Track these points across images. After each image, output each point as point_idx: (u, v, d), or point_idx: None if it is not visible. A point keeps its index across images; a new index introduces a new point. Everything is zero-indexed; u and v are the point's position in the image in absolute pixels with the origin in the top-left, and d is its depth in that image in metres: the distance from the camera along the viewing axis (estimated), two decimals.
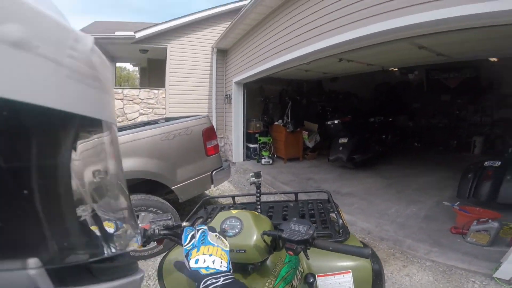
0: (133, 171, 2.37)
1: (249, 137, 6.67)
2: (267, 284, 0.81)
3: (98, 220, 0.36)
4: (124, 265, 0.42)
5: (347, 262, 1.06)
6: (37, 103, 0.25)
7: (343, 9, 2.83)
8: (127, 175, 2.26)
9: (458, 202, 3.05)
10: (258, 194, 1.23)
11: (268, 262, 0.89)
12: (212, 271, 0.56)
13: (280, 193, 1.79)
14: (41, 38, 0.26)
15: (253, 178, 1.18)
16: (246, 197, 2.54)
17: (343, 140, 5.31)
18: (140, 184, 2.62)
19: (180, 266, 0.64)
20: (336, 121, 5.88)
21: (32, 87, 0.25)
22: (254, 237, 0.77)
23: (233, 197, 1.50)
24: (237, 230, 0.79)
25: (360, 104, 8.22)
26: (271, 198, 2.72)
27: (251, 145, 6.64)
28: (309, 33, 3.43)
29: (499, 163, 3.25)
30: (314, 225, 1.24)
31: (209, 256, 0.58)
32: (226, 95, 7.03)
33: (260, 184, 1.21)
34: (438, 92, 7.19)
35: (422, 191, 4.02)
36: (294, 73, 5.87)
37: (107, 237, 0.38)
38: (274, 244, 0.81)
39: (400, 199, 3.78)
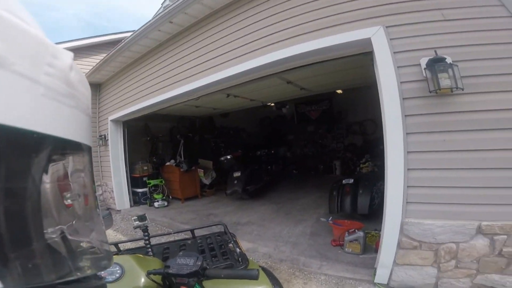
0: None
1: (135, 182, 5.91)
2: None
3: (67, 242, 0.34)
4: (91, 286, 0.41)
5: None
6: (7, 123, 0.23)
7: (224, 47, 3.23)
8: None
9: (331, 217, 3.41)
10: (147, 237, 1.19)
11: None
12: None
13: (174, 233, 1.74)
14: (18, 54, 0.25)
15: (137, 222, 1.14)
16: (138, 242, 2.20)
17: (237, 174, 5.62)
18: None
19: None
20: (228, 157, 6.19)
21: (3, 106, 0.23)
22: (142, 279, 0.73)
23: (115, 244, 1.34)
24: (117, 275, 0.73)
25: (248, 138, 9.00)
26: (169, 239, 2.48)
27: (139, 190, 5.92)
28: (195, 68, 3.58)
29: (352, 180, 3.90)
30: (213, 253, 1.23)
31: None
32: (101, 135, 5.89)
33: (147, 227, 1.18)
34: (305, 124, 8.60)
35: (304, 210, 4.62)
36: (184, 109, 5.82)
37: (76, 259, 0.36)
38: (167, 283, 0.77)
39: (289, 220, 4.22)
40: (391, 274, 2.32)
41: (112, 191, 5.77)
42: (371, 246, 2.97)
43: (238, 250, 1.22)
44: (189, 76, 3.67)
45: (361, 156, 5.71)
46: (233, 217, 4.57)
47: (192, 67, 3.64)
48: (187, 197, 6.09)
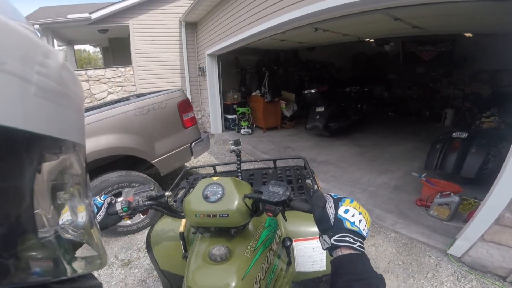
0: (109, 148, 2.33)
1: (227, 108, 6.66)
2: (248, 247, 0.85)
3: (61, 241, 0.34)
4: (86, 286, 0.41)
5: None
6: (0, 123, 0.23)
7: None
8: (103, 153, 2.29)
9: (425, 174, 3.02)
10: (239, 162, 1.23)
11: (249, 226, 0.92)
12: (355, 229, 0.54)
13: (260, 161, 1.80)
14: (8, 53, 0.25)
15: (233, 146, 1.18)
16: (227, 166, 2.58)
17: (320, 109, 5.39)
18: (120, 161, 2.59)
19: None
20: (313, 91, 5.91)
21: None
22: (236, 202, 0.79)
23: (213, 166, 1.51)
24: (219, 196, 0.80)
25: (337, 74, 8.25)
26: (251, 166, 2.78)
27: (230, 116, 6.66)
28: (284, 2, 3.27)
29: (466, 135, 3.23)
30: (290, 186, 1.29)
31: (359, 214, 0.57)
32: (200, 67, 6.85)
33: (240, 152, 1.21)
34: (413, 64, 7.28)
35: (393, 160, 4.14)
36: (270, 43, 5.72)
37: (70, 258, 0.36)
38: (255, 207, 0.83)
39: (372, 167, 3.95)
40: (470, 248, 2.09)
41: (209, 115, 6.76)
42: (462, 214, 2.63)
43: (315, 187, 1.20)
44: (277, 10, 3.42)
45: (485, 109, 4.47)
46: (310, 152, 4.66)
47: (280, 1, 3.34)
48: (268, 127, 6.53)
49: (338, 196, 0.62)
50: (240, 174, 1.25)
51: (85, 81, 6.37)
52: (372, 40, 5.91)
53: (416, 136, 5.26)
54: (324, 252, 1.12)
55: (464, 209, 2.67)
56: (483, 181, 2.65)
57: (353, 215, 0.56)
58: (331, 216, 0.57)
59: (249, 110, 6.58)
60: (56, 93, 0.31)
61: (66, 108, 0.34)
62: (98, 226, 0.46)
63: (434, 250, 2.30)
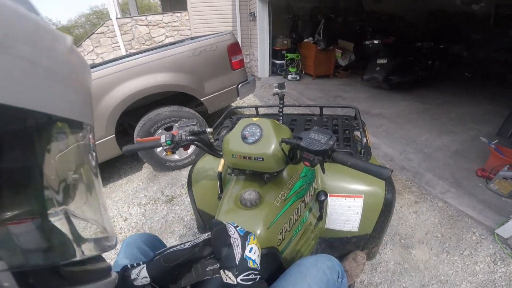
0: (164, 85, 2.55)
1: (275, 54, 6.56)
2: (279, 195, 0.82)
3: (70, 223, 0.34)
4: (96, 268, 0.41)
5: (361, 187, 1.02)
6: (11, 104, 0.24)
7: None
8: (159, 88, 2.50)
9: (496, 141, 2.63)
10: (281, 105, 1.17)
11: (284, 174, 0.88)
12: (255, 266, 0.56)
13: (304, 106, 1.67)
14: (17, 38, 0.25)
15: (276, 89, 1.12)
16: (270, 109, 2.57)
17: (382, 61, 4.85)
18: (173, 97, 2.83)
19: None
20: (376, 41, 5.27)
21: (6, 88, 0.24)
22: (273, 146, 0.75)
23: (256, 107, 1.47)
24: (256, 137, 0.77)
25: (407, 29, 7.22)
26: (296, 111, 2.69)
27: (278, 61, 6.56)
28: None
29: None
30: (336, 135, 1.10)
31: (257, 249, 0.58)
32: (251, 12, 6.68)
33: (283, 95, 1.15)
34: (506, 27, 6.10)
35: (460, 121, 3.66)
36: None
37: (80, 240, 0.36)
38: (292, 154, 0.79)
39: (433, 126, 3.55)
40: None
41: (257, 60, 6.76)
42: None
43: (364, 140, 1.08)
44: None
45: None
46: (363, 104, 4.32)
47: None
48: (319, 75, 6.24)
49: (245, 231, 0.58)
50: (281, 118, 1.19)
51: (145, 25, 6.75)
52: None
53: (492, 100, 4.44)
54: (360, 212, 1.06)
55: None
56: None
57: (255, 252, 0.56)
58: (237, 256, 0.54)
59: (299, 57, 6.34)
60: (64, 76, 0.32)
61: (74, 90, 0.35)
62: (106, 206, 0.45)
63: (481, 227, 2.08)
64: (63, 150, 0.35)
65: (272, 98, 4.88)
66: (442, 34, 6.78)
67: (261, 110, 1.55)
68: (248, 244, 0.56)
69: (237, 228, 0.58)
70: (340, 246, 1.15)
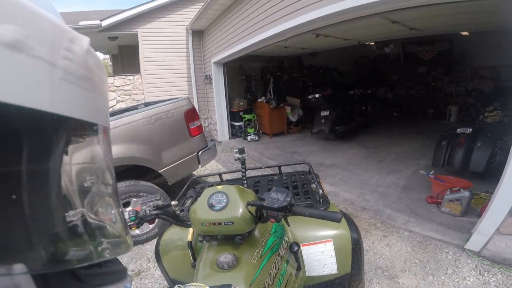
0: (118, 158, 2.37)
1: (233, 116, 6.72)
2: (255, 253, 0.86)
3: (87, 225, 0.34)
4: (112, 271, 0.41)
5: (328, 232, 1.12)
6: (30, 106, 0.24)
7: None
8: None
9: (433, 171, 3.05)
10: (244, 170, 1.24)
11: (255, 233, 0.93)
12: None
13: (265, 168, 1.82)
14: (36, 39, 0.25)
15: (237, 155, 1.19)
16: (233, 174, 2.58)
17: (325, 113, 5.41)
18: (128, 171, 2.63)
19: None
20: (317, 95, 5.98)
21: (25, 89, 0.24)
22: (240, 209, 0.81)
23: (219, 174, 1.52)
24: (223, 204, 0.82)
25: (340, 78, 8.36)
26: (259, 173, 2.79)
27: (236, 123, 6.71)
28: (285, 10, 3.38)
29: (471, 130, 3.26)
30: (296, 192, 1.25)
31: None
32: (206, 75, 7.02)
33: (244, 160, 1.22)
34: (414, 64, 7.46)
35: (401, 160, 4.18)
36: (274, 50, 5.84)
37: (97, 243, 0.36)
38: (259, 214, 0.84)
39: (380, 168, 3.95)
40: (487, 242, 2.07)
41: (216, 123, 6.85)
42: (475, 209, 2.61)
43: (320, 191, 1.21)
44: (279, 18, 3.54)
45: (488, 104, 4.47)
46: (317, 157, 4.65)
47: (281, 9, 3.46)
48: (275, 132, 6.56)
49: None
50: (245, 181, 1.27)
51: None
52: (372, 43, 5.99)
53: (422, 135, 5.25)
54: (333, 255, 1.13)
55: (477, 204, 2.66)
56: (493, 174, 2.60)
57: None
58: None
59: (255, 117, 6.62)
60: (82, 77, 0.32)
61: (91, 92, 0.34)
62: (122, 209, 0.45)
63: (451, 246, 2.28)
64: (79, 152, 0.34)
65: (235, 162, 4.95)
66: (368, 79, 8.00)
67: (225, 176, 1.58)
68: None
69: None
70: None
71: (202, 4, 5.53)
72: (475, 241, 2.15)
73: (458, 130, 3.34)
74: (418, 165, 3.86)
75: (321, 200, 1.17)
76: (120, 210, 0.45)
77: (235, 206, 0.81)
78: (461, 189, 2.57)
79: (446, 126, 5.10)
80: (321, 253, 1.12)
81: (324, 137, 5.66)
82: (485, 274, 1.97)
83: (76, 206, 0.33)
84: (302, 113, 6.68)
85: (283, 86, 7.11)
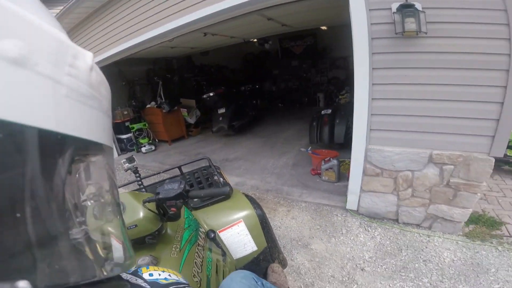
0: None
1: (118, 128, 5.69)
2: (173, 249, 0.89)
3: (91, 243, 0.35)
4: (115, 287, 0.42)
5: (237, 214, 1.25)
6: (33, 124, 0.23)
7: None
8: None
9: (310, 147, 3.61)
10: (138, 178, 1.24)
11: (168, 231, 0.96)
12: (172, 281, 0.56)
13: (163, 172, 1.79)
14: (40, 54, 0.24)
15: (127, 164, 1.17)
16: (132, 186, 2.36)
17: (222, 111, 5.63)
18: None
19: None
20: (211, 94, 6.03)
21: (28, 107, 0.23)
22: (140, 211, 0.82)
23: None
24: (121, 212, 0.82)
25: (231, 75, 8.73)
26: (160, 179, 2.64)
27: (123, 136, 5.74)
28: (169, 10, 3.25)
29: (330, 111, 4.11)
30: (201, 186, 1.36)
31: (162, 272, 0.58)
32: None
33: (136, 168, 1.21)
34: (289, 58, 8.63)
35: (288, 143, 4.91)
36: (159, 51, 5.44)
37: (100, 260, 0.37)
38: (161, 211, 0.86)
39: (274, 153, 4.53)
40: (359, 200, 2.58)
41: None
42: (344, 174, 3.20)
43: (221, 179, 1.34)
44: (161, 19, 3.34)
45: (342, 89, 5.77)
46: (220, 154, 4.84)
47: (165, 9, 3.28)
48: (174, 138, 6.18)
49: (131, 270, 0.60)
50: (144, 190, 1.26)
51: None
52: (255, 40, 6.46)
53: (301, 120, 6.27)
54: (249, 233, 1.27)
55: (345, 169, 3.29)
56: (350, 143, 3.41)
57: (159, 275, 0.58)
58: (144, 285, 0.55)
59: (146, 125, 5.95)
60: (86, 95, 0.31)
61: (95, 110, 0.33)
62: (125, 226, 0.45)
63: (337, 208, 2.79)
64: (83, 171, 0.34)
65: (129, 176, 4.44)
66: (255, 74, 8.70)
67: (122, 190, 1.50)
68: (142, 274, 0.56)
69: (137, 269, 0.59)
70: (256, 267, 1.31)
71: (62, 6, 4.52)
72: (351, 201, 2.64)
73: (322, 112, 4.22)
74: (301, 144, 4.61)
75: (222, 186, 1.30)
76: (123, 227, 0.45)
77: (133, 209, 0.82)
78: (331, 159, 3.19)
79: (316, 110, 6.28)
80: (237, 234, 1.24)
81: (225, 134, 5.88)
82: (369, 230, 2.46)
83: (79, 224, 0.33)
84: (199, 114, 6.56)
85: (175, 88, 6.78)
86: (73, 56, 0.30)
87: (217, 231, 1.18)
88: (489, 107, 1.87)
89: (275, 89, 8.95)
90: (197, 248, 0.99)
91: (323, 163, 3.25)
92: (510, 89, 1.78)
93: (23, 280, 0.24)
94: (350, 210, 2.69)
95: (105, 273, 0.37)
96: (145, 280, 0.54)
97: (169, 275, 0.59)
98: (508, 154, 3.24)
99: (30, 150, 0.25)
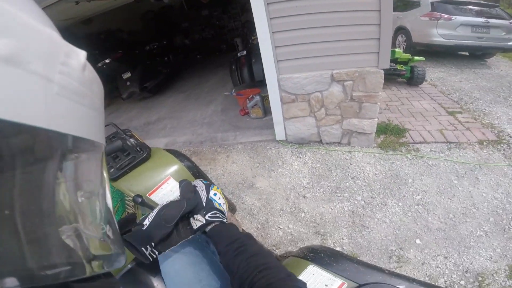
0: None
1: None
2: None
3: (81, 240, 0.35)
4: (105, 285, 0.42)
5: (164, 173, 1.15)
6: (24, 122, 0.23)
7: None
8: None
9: (234, 89, 3.68)
10: None
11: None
12: (221, 208, 0.68)
13: None
14: (32, 53, 0.24)
15: None
16: None
17: (127, 75, 5.01)
18: None
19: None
20: (107, 60, 5.22)
21: (19, 105, 0.23)
22: None
23: None
24: None
25: (131, 37, 7.65)
26: None
27: None
28: None
29: (245, 52, 4.12)
30: (110, 160, 1.23)
31: (222, 198, 0.71)
32: None
33: None
34: (197, 9, 8.15)
35: (213, 91, 4.78)
36: None
37: (90, 257, 0.36)
38: None
39: (200, 103, 4.36)
40: (285, 129, 2.76)
41: None
42: (269, 107, 3.22)
43: (133, 141, 1.21)
44: None
45: (254, 30, 5.71)
46: (140, 118, 4.39)
47: None
48: None
49: (207, 182, 0.74)
50: None
51: None
52: None
53: (222, 67, 6.07)
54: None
55: (268, 103, 3.29)
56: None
57: (219, 198, 0.71)
58: (203, 198, 0.67)
59: None
60: (78, 93, 0.31)
61: (87, 107, 0.33)
62: (116, 224, 0.46)
63: (269, 142, 2.92)
64: (74, 169, 0.35)
65: None
66: (161, 31, 7.91)
67: None
68: (211, 189, 0.70)
69: (202, 180, 0.73)
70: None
71: None
72: (278, 132, 2.81)
73: (238, 55, 4.20)
74: (226, 89, 4.52)
75: (138, 148, 1.17)
76: (114, 224, 0.45)
77: None
78: (254, 96, 3.29)
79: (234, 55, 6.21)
80: (171, 192, 1.14)
81: (140, 97, 5.31)
82: (300, 156, 2.63)
83: (69, 221, 0.33)
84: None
85: None
86: (66, 55, 0.29)
87: (146, 195, 1.08)
88: (371, 28, 2.13)
89: (189, 42, 8.59)
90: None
91: (248, 101, 3.32)
92: (383, 12, 2.05)
93: (10, 277, 0.24)
94: (280, 140, 2.86)
95: (95, 270, 0.37)
96: (207, 195, 0.69)
97: (223, 203, 0.71)
98: (398, 68, 3.92)
99: (20, 147, 0.25)
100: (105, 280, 0.42)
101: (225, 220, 0.68)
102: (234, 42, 7.59)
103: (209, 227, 0.65)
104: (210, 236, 0.65)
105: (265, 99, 3.44)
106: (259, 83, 3.97)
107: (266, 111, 3.36)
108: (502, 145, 2.59)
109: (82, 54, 0.33)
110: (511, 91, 3.74)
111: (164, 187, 1.14)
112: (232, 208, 1.54)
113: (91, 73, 0.35)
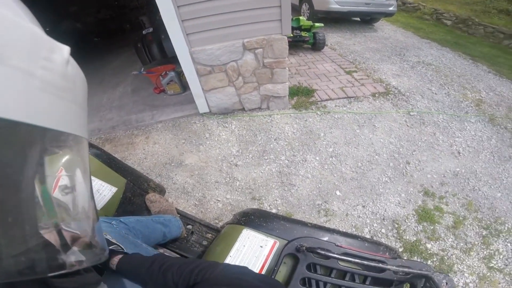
0: None
1: None
2: None
3: (61, 235, 0.35)
4: (86, 280, 0.43)
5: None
6: (4, 116, 0.23)
7: None
8: None
9: (143, 68, 3.43)
10: None
11: None
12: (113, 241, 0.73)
13: None
14: (13, 48, 0.25)
15: None
16: None
17: None
18: None
19: None
20: None
21: (0, 99, 0.23)
22: None
23: None
24: None
25: None
26: None
27: None
28: None
29: (152, 29, 3.81)
30: None
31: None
32: None
33: None
34: None
35: (119, 73, 4.26)
36: None
37: (69, 252, 0.36)
38: None
39: (104, 87, 3.85)
40: (207, 101, 2.73)
41: None
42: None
43: None
44: None
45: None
46: None
47: None
48: None
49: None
50: None
51: None
52: None
53: (127, 47, 5.45)
54: (95, 178, 1.14)
55: (185, 78, 3.33)
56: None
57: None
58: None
59: None
60: (60, 87, 0.31)
61: (69, 102, 0.33)
62: (98, 218, 0.44)
63: (193, 116, 2.82)
64: (55, 163, 0.35)
65: None
66: (42, 19, 6.53)
67: None
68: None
69: None
70: (130, 207, 1.26)
71: None
72: (200, 105, 2.75)
73: (144, 32, 3.81)
74: (135, 69, 4.05)
75: None
76: (96, 220, 0.44)
77: None
78: (167, 72, 3.09)
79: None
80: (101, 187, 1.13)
81: None
82: (227, 125, 2.62)
83: (50, 216, 0.33)
84: None
85: None
86: (49, 50, 0.29)
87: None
88: None
89: (81, 25, 7.46)
90: None
91: (161, 78, 3.11)
92: None
93: None
94: (204, 113, 2.82)
95: (75, 266, 0.36)
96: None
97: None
98: (303, 34, 4.24)
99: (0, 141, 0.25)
100: (86, 275, 0.43)
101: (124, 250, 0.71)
102: (140, 20, 6.93)
103: (114, 263, 0.67)
104: (121, 271, 0.66)
105: (181, 75, 3.27)
106: (173, 59, 3.74)
107: (185, 86, 3.20)
108: (389, 95, 3.16)
109: (65, 50, 0.32)
110: (393, 50, 4.53)
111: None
112: (161, 190, 1.47)
113: (74, 68, 0.35)
